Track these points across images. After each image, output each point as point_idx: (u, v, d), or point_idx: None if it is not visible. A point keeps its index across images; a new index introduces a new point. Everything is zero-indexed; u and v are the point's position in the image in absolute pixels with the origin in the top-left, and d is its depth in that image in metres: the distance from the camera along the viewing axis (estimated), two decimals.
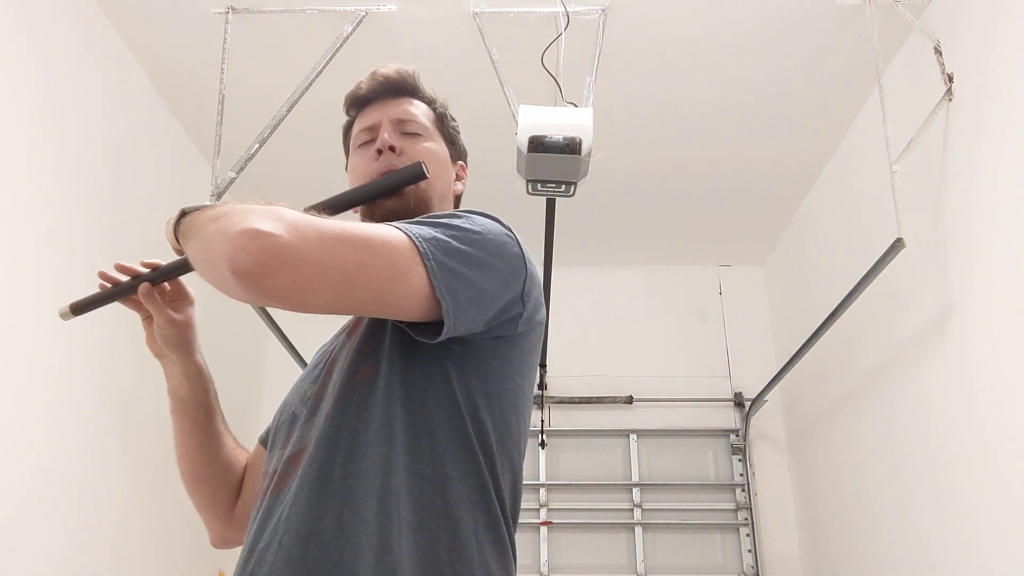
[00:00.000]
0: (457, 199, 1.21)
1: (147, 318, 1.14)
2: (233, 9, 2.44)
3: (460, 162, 1.23)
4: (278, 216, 0.80)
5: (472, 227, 0.93)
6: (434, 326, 0.89)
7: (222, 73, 2.40)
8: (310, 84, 2.38)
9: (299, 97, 2.39)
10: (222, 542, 1.19)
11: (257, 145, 2.38)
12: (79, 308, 1.12)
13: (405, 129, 1.14)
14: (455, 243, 0.90)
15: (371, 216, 1.08)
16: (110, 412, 2.45)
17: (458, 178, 1.21)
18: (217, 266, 0.79)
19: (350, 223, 0.85)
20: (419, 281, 0.85)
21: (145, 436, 2.53)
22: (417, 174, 1.07)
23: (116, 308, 1.17)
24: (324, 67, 2.38)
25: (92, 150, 2.42)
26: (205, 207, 0.93)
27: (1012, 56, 2.04)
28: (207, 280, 0.84)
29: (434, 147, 1.15)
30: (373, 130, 1.14)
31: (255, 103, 2.63)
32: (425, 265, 0.85)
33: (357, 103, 1.19)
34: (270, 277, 0.77)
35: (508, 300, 0.95)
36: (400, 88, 1.17)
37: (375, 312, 0.88)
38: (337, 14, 2.43)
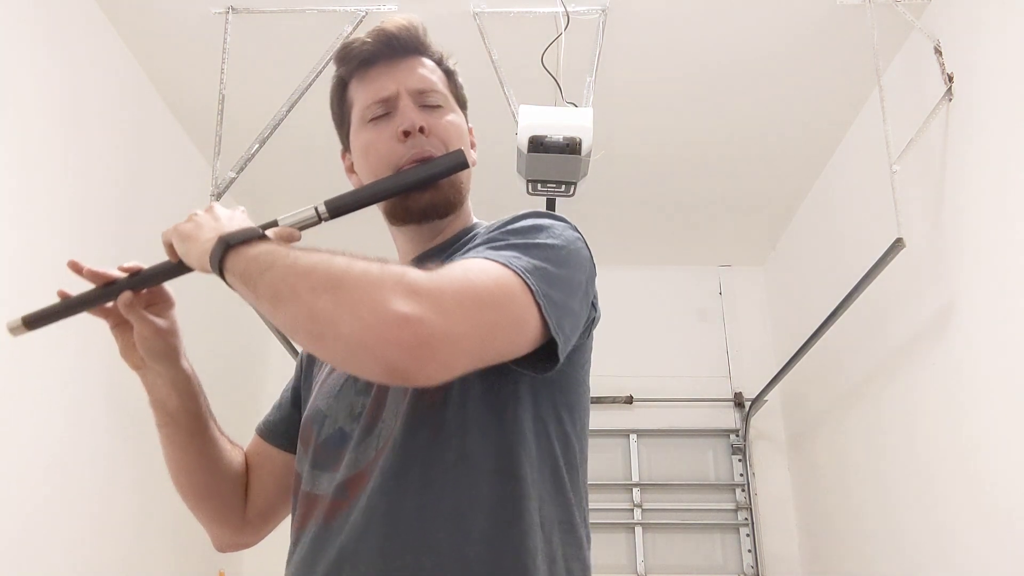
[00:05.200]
0: None
1: (117, 326, 0.99)
2: (233, 9, 2.44)
3: (469, 126, 1.10)
4: (412, 289, 0.72)
5: (556, 242, 0.88)
6: (534, 354, 0.83)
7: (222, 73, 2.40)
8: (310, 84, 2.38)
9: (299, 97, 2.39)
10: (233, 547, 1.11)
11: (257, 145, 2.38)
12: (34, 321, 0.95)
13: (425, 101, 1.01)
14: (551, 268, 0.84)
15: (405, 208, 0.99)
16: (99, 401, 2.44)
17: (472, 146, 1.10)
18: (353, 354, 0.72)
19: (470, 272, 0.78)
20: (535, 324, 0.80)
21: (148, 430, 2.52)
22: (460, 164, 0.96)
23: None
24: (324, 67, 2.38)
25: (91, 150, 2.42)
26: (259, 240, 0.84)
27: (1012, 56, 2.04)
28: (316, 353, 0.77)
29: (457, 120, 1.04)
30: (388, 103, 1.00)
31: (255, 103, 2.62)
32: (538, 305, 0.80)
33: (359, 64, 1.03)
34: (419, 367, 0.71)
35: (588, 310, 0.91)
36: (409, 46, 1.03)
37: (494, 363, 0.81)
38: (337, 14, 2.43)
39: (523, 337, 0.80)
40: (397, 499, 0.83)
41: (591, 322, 0.95)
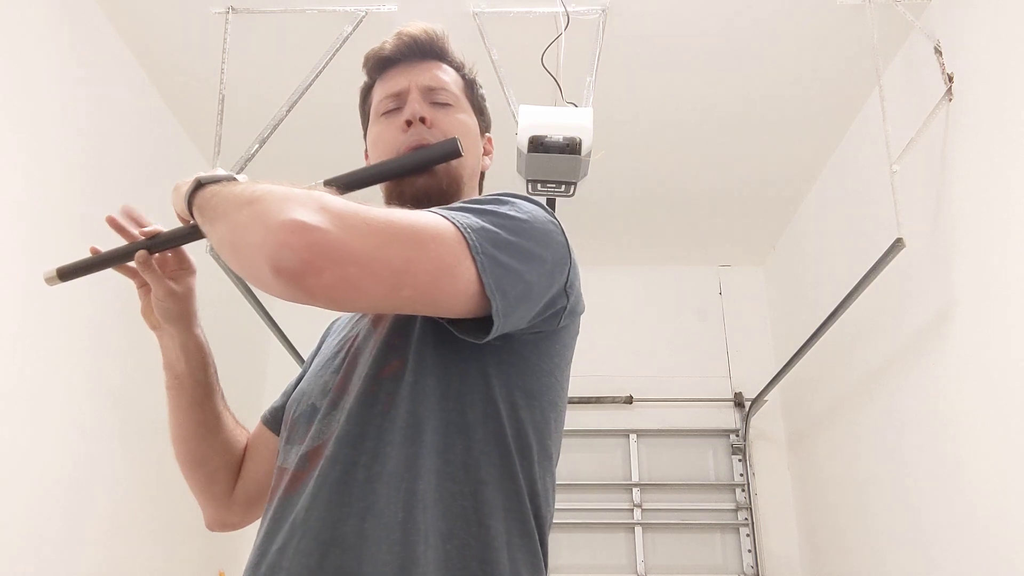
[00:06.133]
0: (483, 175, 1.14)
1: (143, 286, 1.07)
2: (233, 9, 2.44)
3: (487, 135, 1.15)
4: (322, 205, 0.73)
5: (518, 214, 0.87)
6: (479, 323, 0.83)
7: (222, 73, 2.40)
8: (310, 84, 2.38)
9: (299, 97, 2.39)
10: (219, 525, 1.13)
11: (257, 145, 2.38)
12: (67, 273, 1.04)
13: (435, 98, 1.06)
14: (503, 233, 0.83)
15: (399, 194, 1.01)
16: (103, 401, 2.44)
17: (486, 152, 1.14)
18: (253, 259, 0.73)
19: (396, 211, 0.78)
20: (468, 277, 0.78)
21: (142, 428, 2.52)
22: (452, 151, 0.98)
23: (108, 287, 1.12)
24: (324, 67, 2.38)
25: (91, 150, 2.42)
26: (228, 180, 0.87)
27: (1012, 56, 2.04)
28: (234, 268, 0.78)
29: (465, 119, 1.08)
30: (399, 97, 1.05)
31: (255, 103, 2.62)
32: (474, 259, 0.79)
33: (380, 65, 1.09)
34: (315, 276, 0.71)
35: (554, 293, 0.89)
36: (428, 50, 1.08)
37: (420, 310, 0.82)
38: (337, 14, 2.43)
39: (453, 286, 0.78)
40: (348, 467, 0.84)
41: (562, 310, 0.93)
